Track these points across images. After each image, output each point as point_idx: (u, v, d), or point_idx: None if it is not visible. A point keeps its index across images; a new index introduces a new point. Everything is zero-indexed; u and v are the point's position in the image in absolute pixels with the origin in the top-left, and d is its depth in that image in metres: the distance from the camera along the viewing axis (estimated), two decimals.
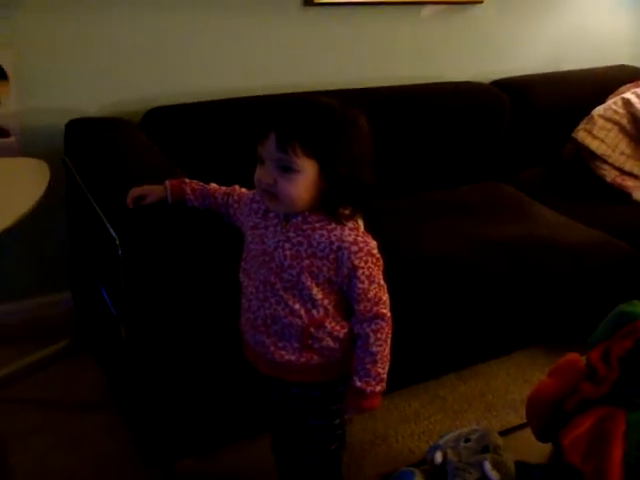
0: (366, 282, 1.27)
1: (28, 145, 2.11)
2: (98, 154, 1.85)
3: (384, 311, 1.31)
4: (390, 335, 1.33)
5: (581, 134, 2.61)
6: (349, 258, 1.25)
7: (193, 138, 2.10)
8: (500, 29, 2.81)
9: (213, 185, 1.52)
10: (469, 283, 2.00)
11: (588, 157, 2.62)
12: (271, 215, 1.32)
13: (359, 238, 1.26)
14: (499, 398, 2.14)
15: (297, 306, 1.29)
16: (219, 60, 2.32)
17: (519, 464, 1.23)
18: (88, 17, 2.09)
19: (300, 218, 1.27)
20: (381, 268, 1.30)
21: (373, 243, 1.29)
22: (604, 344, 1.18)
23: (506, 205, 2.47)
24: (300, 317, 1.30)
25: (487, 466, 1.16)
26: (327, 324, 1.31)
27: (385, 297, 1.32)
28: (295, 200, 1.24)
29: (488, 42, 2.80)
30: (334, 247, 1.25)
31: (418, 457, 1.89)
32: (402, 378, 2.05)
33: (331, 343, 1.33)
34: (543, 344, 2.32)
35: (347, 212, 1.27)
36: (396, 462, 1.85)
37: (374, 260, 1.28)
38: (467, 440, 1.24)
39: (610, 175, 2.58)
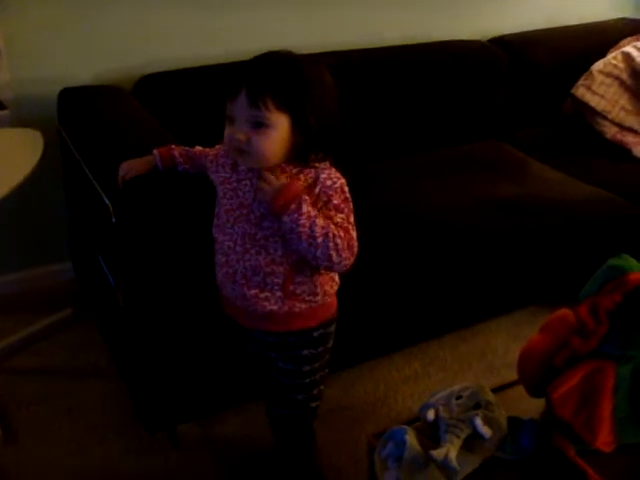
0: (333, 211, 1.28)
1: (22, 115, 2.10)
2: (91, 122, 1.84)
3: (352, 234, 1.29)
4: (339, 246, 1.25)
5: (580, 90, 2.58)
6: (325, 192, 1.27)
7: (186, 104, 2.09)
8: None
9: (197, 148, 1.53)
10: (468, 241, 2.00)
11: (588, 114, 2.59)
12: (241, 168, 1.33)
13: (333, 175, 1.29)
14: (499, 357, 2.15)
15: (279, 252, 1.30)
16: (212, 26, 2.29)
17: (512, 419, 1.24)
18: None
19: (278, 170, 1.29)
20: (350, 208, 1.31)
21: (344, 180, 1.31)
22: (593, 298, 1.18)
23: (505, 163, 2.46)
24: (282, 264, 1.31)
25: (478, 422, 1.16)
26: (307, 266, 1.32)
27: (354, 234, 1.29)
28: (269, 156, 1.25)
29: None
30: (310, 184, 1.28)
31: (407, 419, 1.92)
32: (402, 338, 2.06)
33: (312, 286, 1.35)
34: (543, 303, 2.31)
35: (319, 156, 1.30)
36: (396, 422, 1.87)
37: (344, 197, 1.29)
38: (459, 397, 1.25)
39: (610, 131, 2.55)
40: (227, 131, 1.27)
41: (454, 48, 2.56)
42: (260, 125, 1.22)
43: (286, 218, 1.23)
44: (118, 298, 1.69)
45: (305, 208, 1.23)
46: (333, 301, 1.45)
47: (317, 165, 1.29)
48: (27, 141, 1.93)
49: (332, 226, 1.25)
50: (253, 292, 1.35)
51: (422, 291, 1.95)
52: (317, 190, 1.27)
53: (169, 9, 2.21)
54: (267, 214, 1.28)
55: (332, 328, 1.47)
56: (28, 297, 2.31)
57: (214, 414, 1.86)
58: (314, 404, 1.55)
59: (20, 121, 2.08)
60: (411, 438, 1.18)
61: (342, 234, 1.25)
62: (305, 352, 1.44)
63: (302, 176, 1.29)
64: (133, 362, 1.74)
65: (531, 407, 1.32)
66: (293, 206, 1.22)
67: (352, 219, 1.30)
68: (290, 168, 1.29)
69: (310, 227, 1.22)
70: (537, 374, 1.26)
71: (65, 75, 2.13)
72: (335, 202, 1.27)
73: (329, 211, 1.27)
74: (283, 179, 1.26)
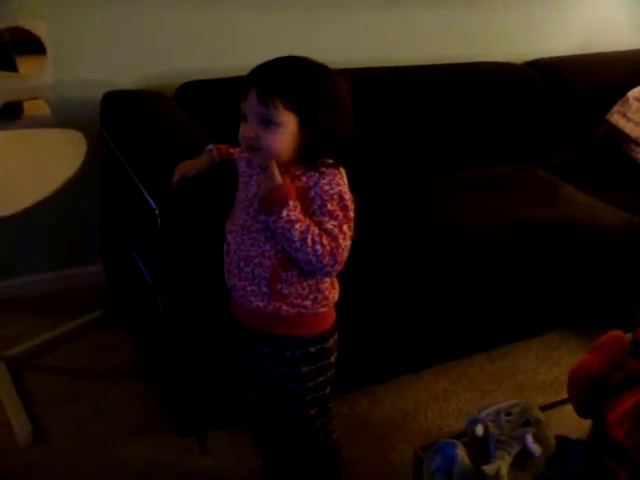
0: (326, 217, 1.28)
1: (63, 117, 2.12)
2: (137, 126, 1.85)
3: (341, 243, 1.27)
4: (319, 252, 1.25)
5: (615, 117, 2.59)
6: (320, 196, 1.27)
7: (226, 112, 2.09)
8: (532, 9, 2.78)
9: None
10: (500, 263, 1.99)
11: (622, 140, 2.59)
12: (255, 164, 1.36)
13: (333, 182, 1.29)
14: (529, 379, 2.15)
15: (268, 247, 1.31)
16: (253, 36, 2.31)
17: (560, 439, 1.23)
18: None
19: (282, 169, 1.30)
20: (348, 216, 1.29)
21: (346, 189, 1.30)
22: None
23: (537, 186, 2.45)
24: (270, 258, 1.31)
25: (529, 439, 1.16)
26: (295, 267, 1.31)
27: (344, 243, 1.28)
28: (277, 152, 1.28)
29: (521, 22, 2.78)
30: (309, 186, 1.29)
31: (448, 434, 1.90)
32: (431, 356, 2.06)
33: (299, 289, 1.34)
34: (572, 326, 2.32)
35: (330, 161, 1.30)
36: (427, 439, 1.85)
37: (341, 205, 1.28)
38: (508, 414, 1.25)
39: None
40: (240, 129, 1.31)
41: (491, 70, 2.58)
42: (269, 123, 1.26)
43: (269, 217, 1.27)
44: (157, 302, 1.70)
45: (285, 213, 1.25)
46: (329, 313, 1.43)
47: (324, 170, 1.30)
48: (71, 142, 1.95)
49: (316, 232, 1.25)
50: (242, 284, 1.36)
51: (453, 309, 1.95)
52: (312, 193, 1.28)
53: (214, 18, 2.24)
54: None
55: (330, 342, 1.44)
56: (58, 298, 2.32)
57: (245, 422, 1.86)
58: (329, 414, 1.54)
59: (61, 122, 2.10)
60: (461, 452, 1.18)
61: (326, 241, 1.25)
62: (305, 369, 1.42)
63: (304, 178, 1.29)
64: (168, 366, 1.74)
65: (577, 427, 1.32)
66: (277, 208, 1.25)
67: (346, 228, 1.28)
68: (295, 169, 1.31)
69: (288, 230, 1.25)
70: (588, 394, 1.25)
71: (107, 79, 2.16)
72: (329, 208, 1.27)
73: (323, 216, 1.27)
74: (281, 179, 1.28)
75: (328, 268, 1.27)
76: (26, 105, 2.11)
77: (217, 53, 2.29)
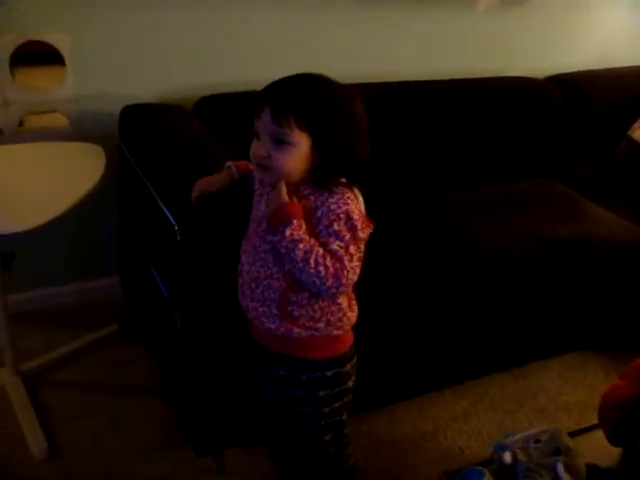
0: (332, 237, 1.24)
1: (82, 130, 2.11)
2: (156, 140, 1.84)
3: (346, 264, 1.23)
4: (322, 273, 1.22)
5: (637, 132, 2.57)
6: (327, 215, 1.24)
7: (245, 126, 2.08)
8: (553, 24, 2.76)
9: None
10: (521, 280, 1.97)
11: None
12: (266, 183, 1.34)
13: (341, 201, 1.25)
14: (551, 400, 2.11)
15: (276, 268, 1.29)
16: (271, 51, 2.30)
17: (590, 467, 1.20)
18: (144, 7, 2.08)
19: (291, 188, 1.28)
20: (356, 237, 1.25)
21: (354, 208, 1.25)
22: None
23: (558, 203, 2.43)
24: (278, 279, 1.29)
25: (560, 468, 1.13)
26: (304, 288, 1.28)
27: (349, 265, 1.23)
28: (288, 172, 1.26)
29: (542, 37, 2.76)
30: (317, 206, 1.26)
31: (468, 455, 1.88)
32: (451, 375, 2.03)
33: (310, 311, 1.31)
34: (594, 348, 2.28)
35: (342, 180, 1.27)
36: (447, 460, 1.85)
37: (349, 225, 1.24)
38: (537, 441, 1.21)
39: None
40: (252, 146, 1.29)
41: (512, 85, 2.56)
42: (282, 142, 1.23)
43: (274, 237, 1.25)
44: (175, 318, 1.68)
45: (289, 232, 1.22)
46: (345, 336, 1.40)
47: (335, 189, 1.27)
48: (89, 156, 1.93)
49: (320, 253, 1.22)
50: (254, 305, 1.35)
51: (473, 327, 1.93)
52: (319, 213, 1.25)
53: (233, 33, 2.23)
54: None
55: (348, 367, 1.41)
56: (75, 311, 2.31)
57: (263, 442, 1.83)
58: (345, 440, 1.52)
59: (80, 136, 2.09)
60: None
61: (330, 263, 1.22)
62: (321, 393, 1.40)
63: (313, 197, 1.27)
64: (186, 383, 1.72)
65: (607, 455, 1.29)
66: (281, 227, 1.23)
67: (353, 249, 1.24)
68: (304, 188, 1.28)
69: (292, 250, 1.22)
70: (619, 421, 1.22)
71: (126, 92, 2.14)
72: (336, 228, 1.24)
73: (329, 236, 1.24)
74: (288, 198, 1.25)
75: (332, 290, 1.24)
76: (45, 118, 2.10)
77: (237, 66, 2.27)
